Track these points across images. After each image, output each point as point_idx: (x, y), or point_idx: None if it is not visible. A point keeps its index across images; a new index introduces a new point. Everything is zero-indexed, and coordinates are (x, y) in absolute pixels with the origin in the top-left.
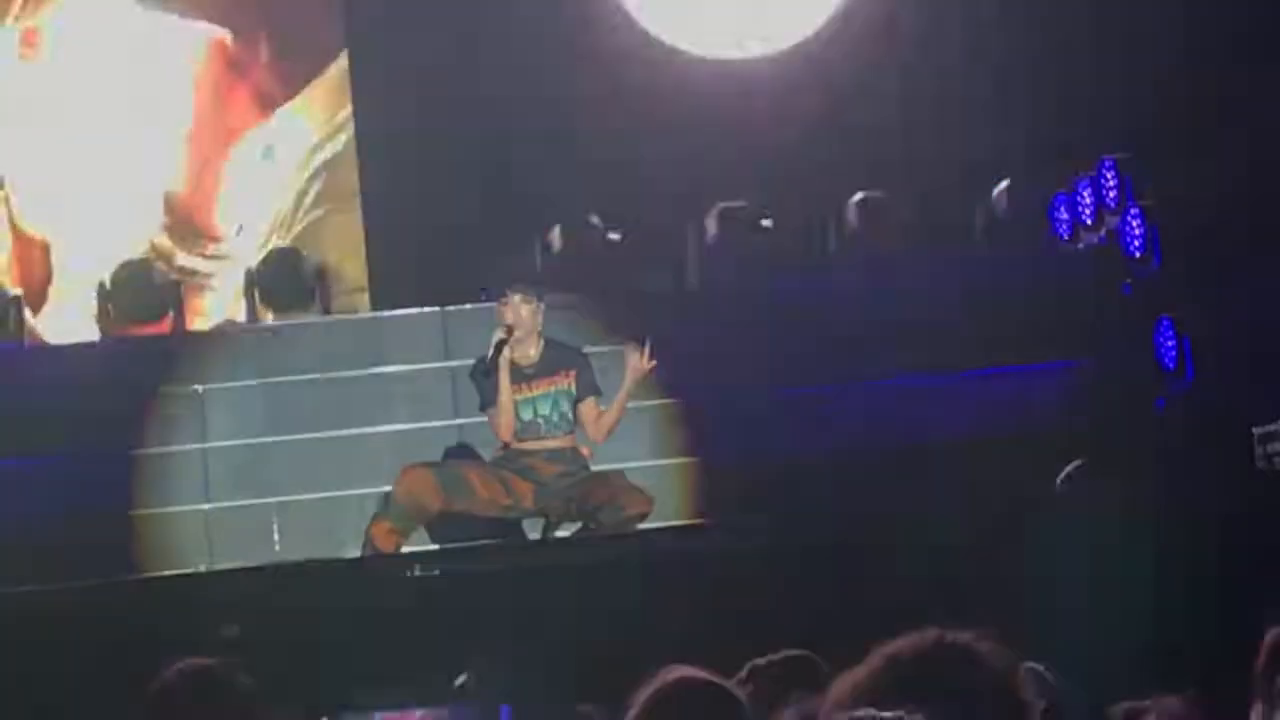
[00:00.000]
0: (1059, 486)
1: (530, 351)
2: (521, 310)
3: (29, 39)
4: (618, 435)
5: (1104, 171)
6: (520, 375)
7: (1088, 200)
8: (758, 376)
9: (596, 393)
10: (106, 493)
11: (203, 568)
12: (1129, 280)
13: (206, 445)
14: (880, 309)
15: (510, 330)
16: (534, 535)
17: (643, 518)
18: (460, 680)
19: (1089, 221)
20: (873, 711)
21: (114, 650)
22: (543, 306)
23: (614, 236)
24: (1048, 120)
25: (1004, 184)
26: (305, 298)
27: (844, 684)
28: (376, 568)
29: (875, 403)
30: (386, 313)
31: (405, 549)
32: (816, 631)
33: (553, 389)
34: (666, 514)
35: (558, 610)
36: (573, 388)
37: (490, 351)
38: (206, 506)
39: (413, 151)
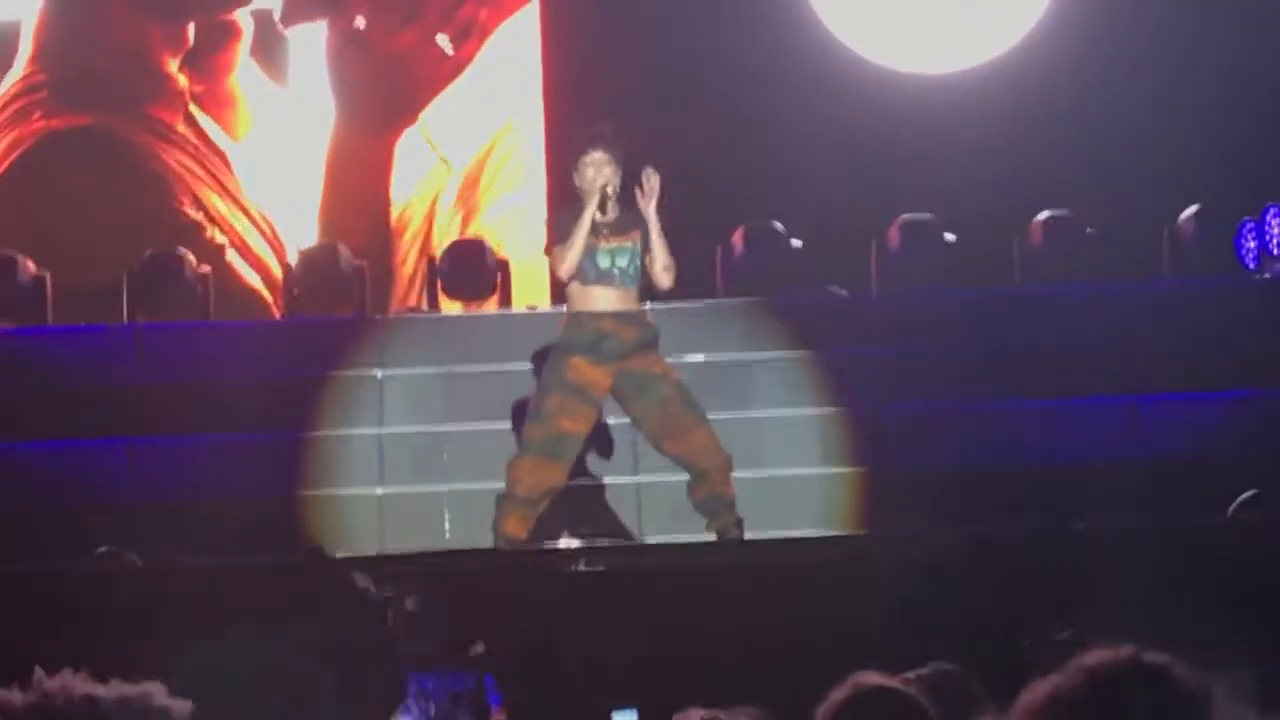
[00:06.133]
0: (1231, 514)
1: (609, 208)
2: (605, 170)
3: None
4: (788, 441)
5: None
6: (597, 230)
7: (1275, 229)
8: (930, 389)
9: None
10: (282, 472)
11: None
12: None
13: (383, 430)
14: (1058, 328)
15: (608, 184)
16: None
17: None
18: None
19: (1275, 251)
20: None
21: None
22: (621, 168)
23: (796, 243)
24: (1239, 147)
25: (1192, 209)
26: (486, 289)
27: (1039, 691)
28: (541, 561)
29: (1045, 421)
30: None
31: (571, 543)
32: (970, 646)
33: (629, 244)
34: (833, 523)
35: (712, 611)
36: (637, 244)
37: (599, 192)
38: (380, 491)
39: None
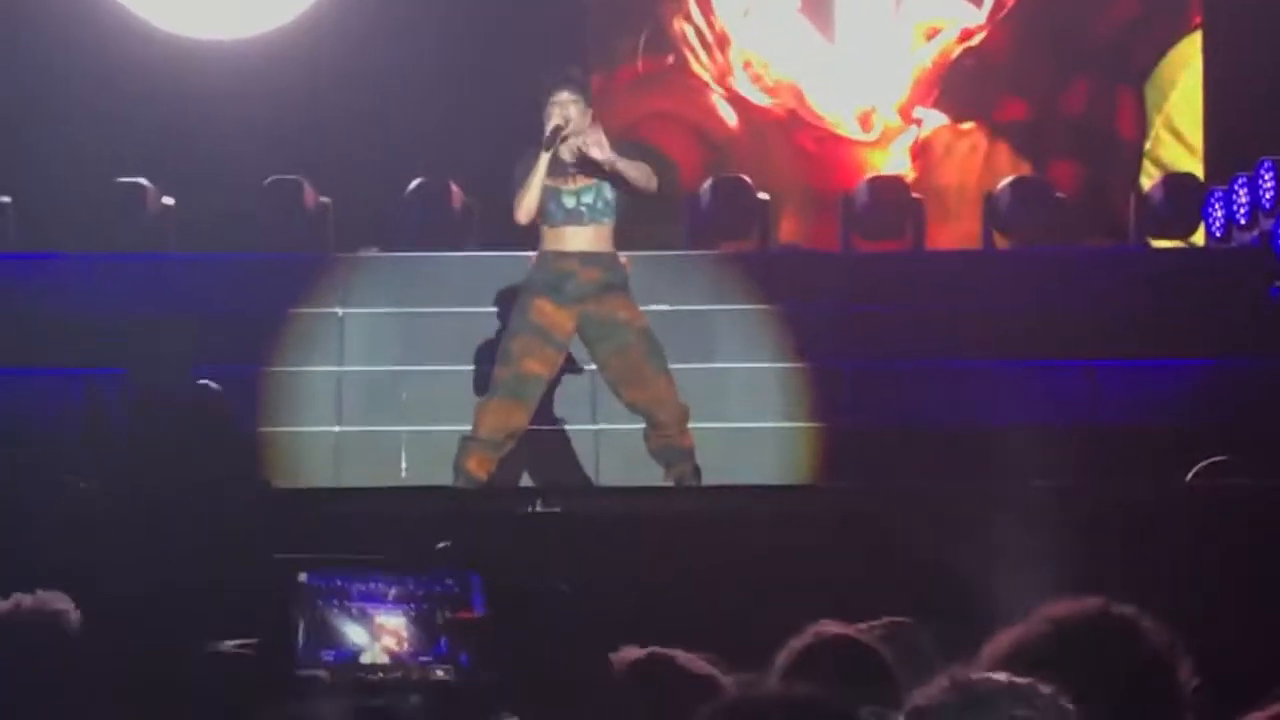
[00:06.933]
0: (1189, 480)
1: (569, 150)
2: (570, 110)
3: None
4: (750, 393)
5: (1262, 172)
6: (564, 170)
7: (1243, 200)
8: (890, 346)
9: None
10: (240, 407)
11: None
12: (1278, 283)
13: (342, 369)
14: (1023, 291)
15: (564, 125)
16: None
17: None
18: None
19: (1243, 221)
20: (1008, 677)
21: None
22: (589, 109)
23: (763, 196)
24: (1209, 117)
25: (1160, 176)
26: (455, 230)
27: (1005, 640)
28: (499, 500)
29: (1005, 381)
30: (532, 252)
31: (527, 484)
32: (923, 600)
33: (593, 182)
34: (792, 476)
35: (671, 557)
36: (602, 180)
37: (548, 135)
38: (337, 429)
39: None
